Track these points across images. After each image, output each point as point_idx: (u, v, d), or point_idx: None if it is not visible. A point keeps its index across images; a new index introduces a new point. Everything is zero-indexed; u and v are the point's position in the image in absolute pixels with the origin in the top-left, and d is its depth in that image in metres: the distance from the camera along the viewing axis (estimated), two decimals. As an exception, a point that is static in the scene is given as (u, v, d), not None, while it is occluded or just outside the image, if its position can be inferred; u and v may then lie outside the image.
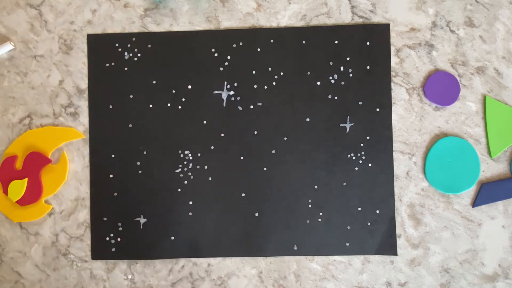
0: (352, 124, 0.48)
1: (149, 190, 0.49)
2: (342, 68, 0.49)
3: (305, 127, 0.49)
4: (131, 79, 0.50)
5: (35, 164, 0.49)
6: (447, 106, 0.48)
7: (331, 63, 0.49)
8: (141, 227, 0.49)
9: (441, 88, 0.48)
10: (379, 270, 0.48)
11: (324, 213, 0.48)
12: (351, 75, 0.49)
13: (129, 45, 0.50)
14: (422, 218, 0.48)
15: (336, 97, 0.49)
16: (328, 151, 0.48)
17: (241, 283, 0.49)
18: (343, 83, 0.49)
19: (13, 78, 0.50)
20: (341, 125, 0.48)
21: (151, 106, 0.49)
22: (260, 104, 0.49)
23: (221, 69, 0.49)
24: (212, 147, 0.49)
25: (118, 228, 0.49)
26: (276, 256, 0.48)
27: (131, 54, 0.50)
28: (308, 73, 0.49)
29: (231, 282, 0.49)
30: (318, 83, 0.49)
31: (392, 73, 0.49)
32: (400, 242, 0.48)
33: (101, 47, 0.50)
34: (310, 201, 0.48)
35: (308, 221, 0.48)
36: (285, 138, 0.49)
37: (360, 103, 0.48)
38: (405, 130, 0.48)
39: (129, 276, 0.49)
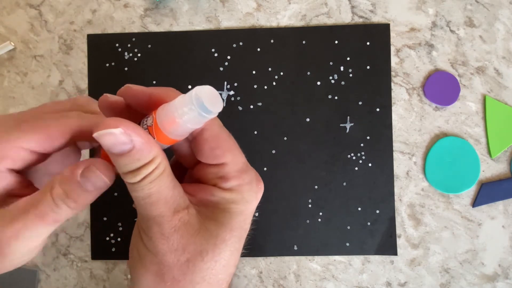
0: (352, 124, 0.48)
1: (149, 190, 0.49)
2: (342, 68, 0.49)
3: (305, 127, 0.49)
4: (131, 79, 0.50)
5: (35, 164, 0.49)
6: (447, 106, 0.48)
7: (331, 63, 0.49)
8: (141, 227, 0.49)
9: (441, 88, 0.48)
10: (379, 270, 0.48)
11: (324, 213, 0.48)
12: (351, 75, 0.49)
13: (129, 45, 0.50)
14: (422, 218, 0.48)
15: (336, 97, 0.49)
16: (328, 151, 0.48)
17: (241, 283, 0.49)
18: (343, 83, 0.49)
19: (13, 78, 0.50)
20: (341, 125, 0.48)
21: (151, 106, 0.49)
22: (260, 104, 0.49)
23: (221, 69, 0.49)
24: (212, 147, 0.49)
25: (118, 228, 0.49)
26: (276, 256, 0.48)
27: (131, 54, 0.50)
28: (308, 73, 0.49)
29: (231, 282, 0.49)
30: (318, 83, 0.49)
31: (392, 73, 0.49)
32: (400, 242, 0.48)
33: (101, 47, 0.50)
34: (310, 201, 0.48)
35: (308, 221, 0.48)
36: (285, 138, 0.49)
37: (360, 103, 0.48)
38: (405, 130, 0.48)
39: (129, 276, 0.49)
